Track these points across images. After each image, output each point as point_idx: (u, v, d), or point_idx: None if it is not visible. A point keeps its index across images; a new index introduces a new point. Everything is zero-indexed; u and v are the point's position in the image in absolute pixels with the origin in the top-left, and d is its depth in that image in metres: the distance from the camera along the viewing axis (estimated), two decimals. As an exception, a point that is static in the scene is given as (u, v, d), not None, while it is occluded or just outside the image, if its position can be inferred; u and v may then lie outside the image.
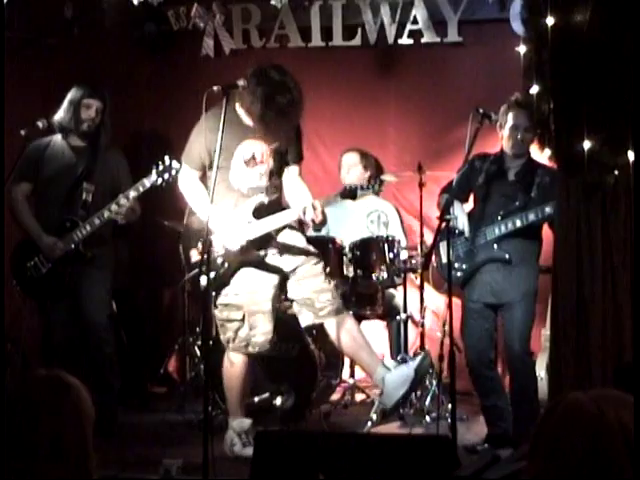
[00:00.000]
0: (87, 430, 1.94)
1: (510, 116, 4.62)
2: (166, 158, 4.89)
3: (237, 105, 4.45)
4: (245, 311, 4.50)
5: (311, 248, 4.65)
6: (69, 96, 5.19)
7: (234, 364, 4.54)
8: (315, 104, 6.49)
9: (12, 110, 5.61)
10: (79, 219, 5.10)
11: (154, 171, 4.90)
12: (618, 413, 1.60)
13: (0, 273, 5.28)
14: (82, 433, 1.92)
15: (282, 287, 4.62)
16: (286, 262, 4.57)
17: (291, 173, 4.70)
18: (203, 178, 4.63)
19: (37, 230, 5.17)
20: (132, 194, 4.99)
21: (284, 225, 4.53)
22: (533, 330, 4.83)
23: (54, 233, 5.13)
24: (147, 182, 4.94)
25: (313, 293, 4.52)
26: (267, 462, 3.26)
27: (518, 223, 4.62)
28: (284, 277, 4.58)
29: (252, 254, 4.49)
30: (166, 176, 4.87)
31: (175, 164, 4.86)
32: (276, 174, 4.62)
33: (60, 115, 5.18)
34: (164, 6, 6.31)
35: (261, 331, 4.51)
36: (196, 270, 4.94)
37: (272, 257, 4.55)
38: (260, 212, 4.50)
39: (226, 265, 4.49)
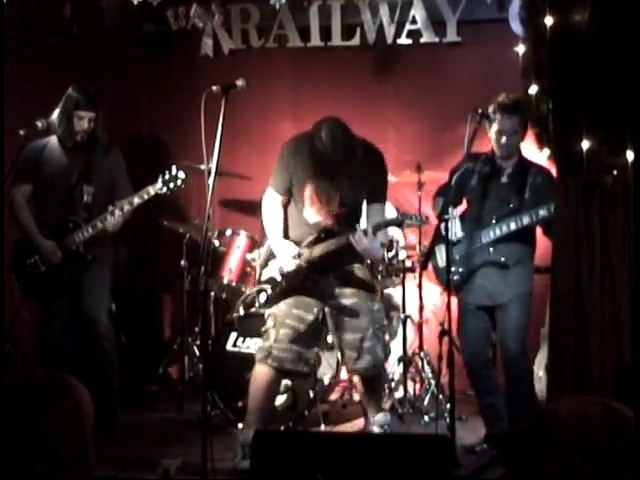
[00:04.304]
0: (86, 430, 1.94)
1: (495, 121, 4.61)
2: (173, 167, 4.96)
3: (322, 137, 4.31)
4: (277, 321, 4.43)
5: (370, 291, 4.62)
6: (62, 105, 5.14)
7: (257, 375, 4.46)
8: (314, 104, 6.52)
9: (12, 110, 5.61)
10: (82, 221, 5.11)
11: (160, 179, 4.94)
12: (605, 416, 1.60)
13: (0, 273, 5.28)
14: (81, 433, 1.92)
15: (324, 322, 4.59)
16: (341, 295, 4.52)
17: (371, 209, 4.53)
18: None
19: (36, 235, 5.17)
20: (136, 201, 5.00)
21: (341, 250, 4.40)
22: (531, 329, 4.85)
23: (55, 234, 5.14)
24: (152, 190, 4.97)
25: (352, 341, 4.50)
26: (266, 462, 3.26)
27: (513, 226, 4.63)
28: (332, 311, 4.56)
29: (307, 278, 4.46)
30: (171, 185, 4.93)
31: (181, 174, 4.93)
32: (347, 217, 4.49)
33: (54, 123, 5.15)
34: (163, 6, 6.32)
35: (283, 347, 4.40)
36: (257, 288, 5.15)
37: (327, 286, 4.52)
38: (324, 240, 4.46)
39: (283, 284, 4.48)
